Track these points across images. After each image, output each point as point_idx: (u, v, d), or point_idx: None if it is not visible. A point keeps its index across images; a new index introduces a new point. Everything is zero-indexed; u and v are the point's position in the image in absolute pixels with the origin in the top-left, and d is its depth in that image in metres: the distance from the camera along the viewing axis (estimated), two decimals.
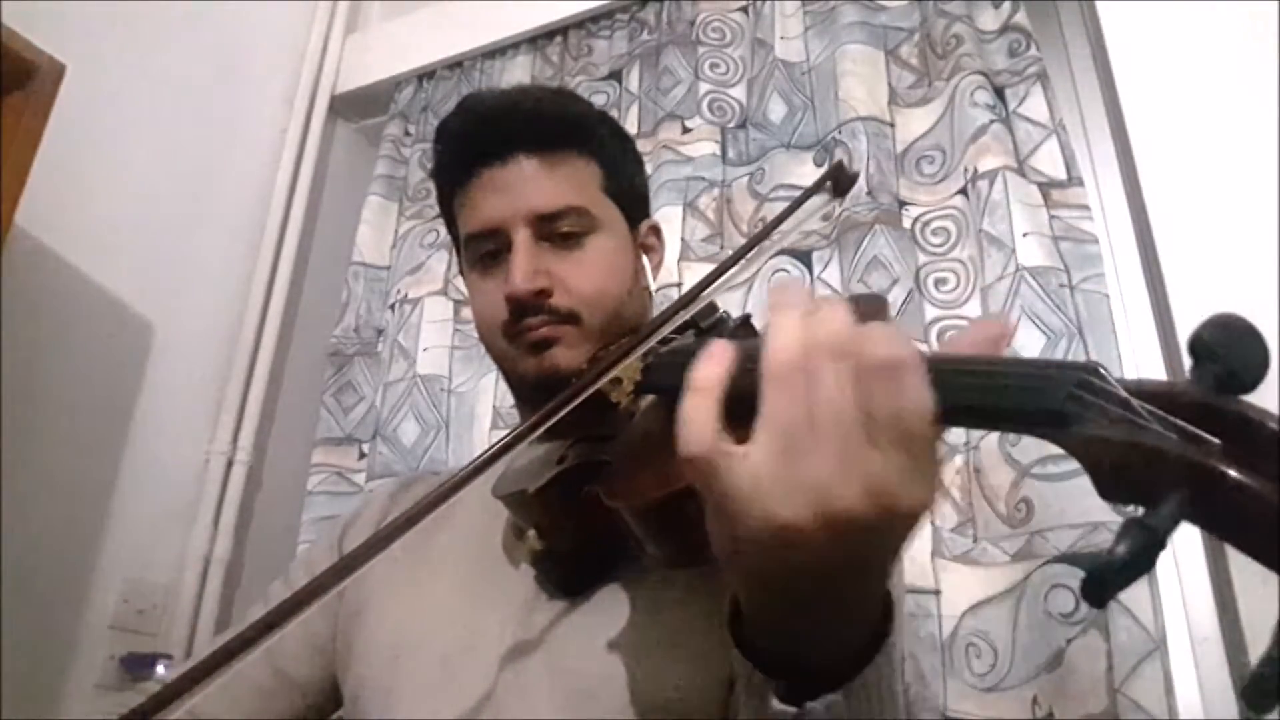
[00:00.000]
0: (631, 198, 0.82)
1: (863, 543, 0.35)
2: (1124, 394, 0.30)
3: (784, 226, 0.66)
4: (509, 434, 0.53)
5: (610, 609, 0.65)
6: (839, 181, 0.65)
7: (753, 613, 0.43)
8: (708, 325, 0.65)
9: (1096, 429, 0.30)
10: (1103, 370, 0.31)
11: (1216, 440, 0.28)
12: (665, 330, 0.58)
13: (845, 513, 0.33)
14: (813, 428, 0.34)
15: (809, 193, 0.66)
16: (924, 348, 0.38)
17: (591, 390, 0.54)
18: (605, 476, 0.57)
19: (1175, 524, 0.28)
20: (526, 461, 0.69)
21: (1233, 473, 0.27)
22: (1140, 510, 0.29)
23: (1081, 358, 1.06)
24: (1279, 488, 0.26)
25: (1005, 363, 0.35)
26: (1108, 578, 0.27)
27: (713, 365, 0.38)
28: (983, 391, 0.34)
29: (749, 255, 0.64)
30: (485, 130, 0.77)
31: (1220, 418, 0.29)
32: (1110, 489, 0.31)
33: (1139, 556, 0.27)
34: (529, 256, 0.72)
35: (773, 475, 0.34)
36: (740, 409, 0.36)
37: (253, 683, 0.77)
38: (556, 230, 0.74)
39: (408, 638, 0.70)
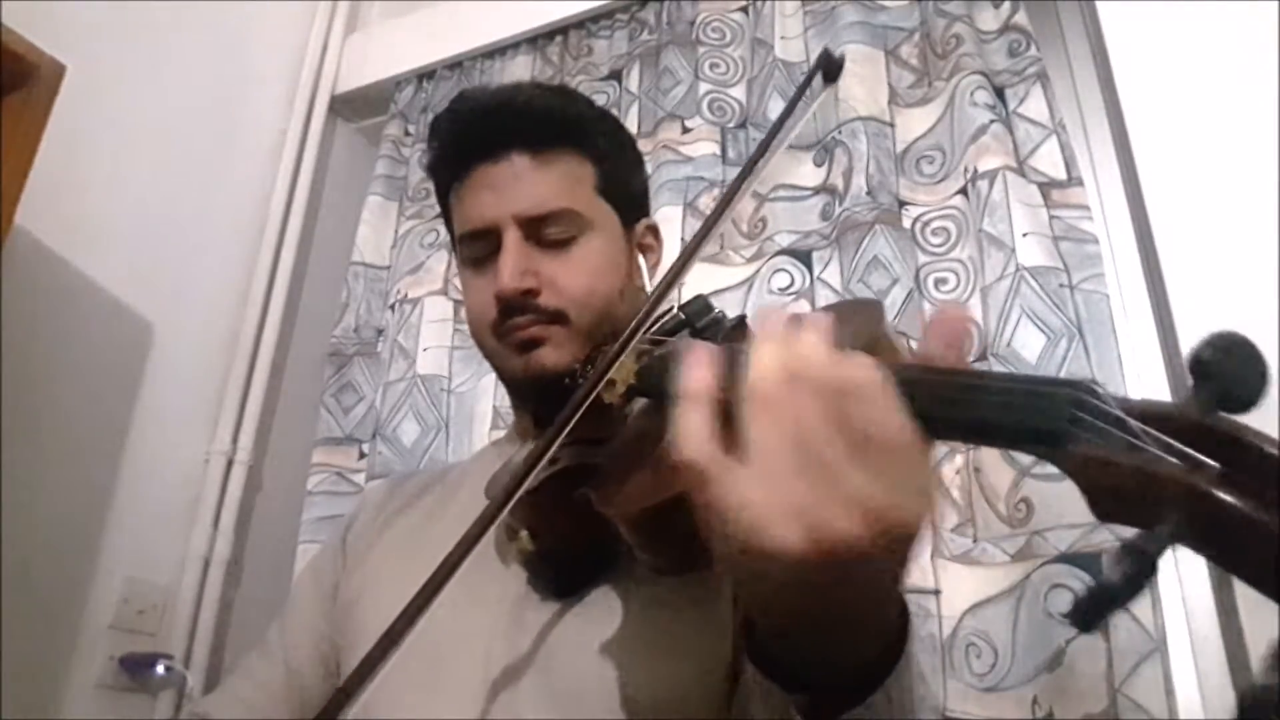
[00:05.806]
0: (627, 198, 0.81)
1: (861, 562, 0.34)
2: (1120, 413, 0.30)
3: (789, 123, 0.68)
4: (525, 461, 0.53)
5: (601, 610, 0.65)
6: (828, 70, 0.67)
7: (763, 626, 0.42)
8: (703, 325, 0.65)
9: (1093, 449, 0.30)
10: (1098, 388, 0.31)
11: (1215, 464, 0.28)
12: (667, 295, 0.58)
13: (834, 533, 0.32)
14: (794, 452, 0.33)
15: (802, 88, 0.68)
16: (921, 362, 0.38)
17: (591, 398, 0.54)
18: (597, 481, 0.56)
19: (1168, 548, 0.27)
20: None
21: (1230, 499, 0.26)
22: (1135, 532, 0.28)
23: (1081, 358, 1.06)
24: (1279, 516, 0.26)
25: (1003, 379, 0.35)
26: (1101, 604, 0.27)
27: (701, 371, 0.38)
28: (982, 408, 0.34)
29: (763, 159, 0.65)
30: (477, 127, 0.77)
31: (1219, 439, 0.28)
32: (1105, 509, 0.30)
33: (1132, 582, 0.27)
34: (518, 256, 0.72)
35: (761, 498, 0.34)
36: (732, 418, 0.36)
37: (264, 684, 0.78)
38: (545, 234, 0.74)
39: None
